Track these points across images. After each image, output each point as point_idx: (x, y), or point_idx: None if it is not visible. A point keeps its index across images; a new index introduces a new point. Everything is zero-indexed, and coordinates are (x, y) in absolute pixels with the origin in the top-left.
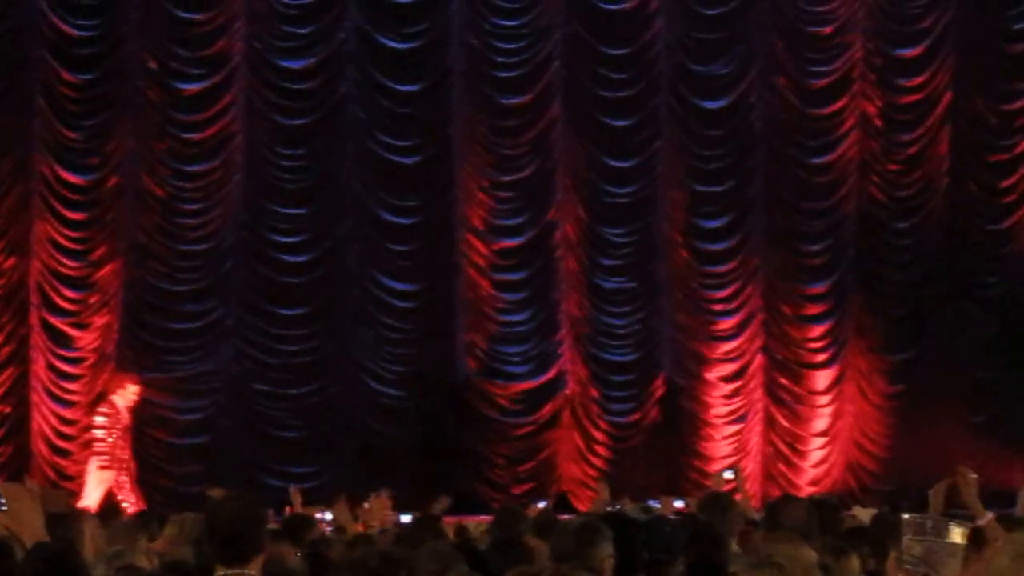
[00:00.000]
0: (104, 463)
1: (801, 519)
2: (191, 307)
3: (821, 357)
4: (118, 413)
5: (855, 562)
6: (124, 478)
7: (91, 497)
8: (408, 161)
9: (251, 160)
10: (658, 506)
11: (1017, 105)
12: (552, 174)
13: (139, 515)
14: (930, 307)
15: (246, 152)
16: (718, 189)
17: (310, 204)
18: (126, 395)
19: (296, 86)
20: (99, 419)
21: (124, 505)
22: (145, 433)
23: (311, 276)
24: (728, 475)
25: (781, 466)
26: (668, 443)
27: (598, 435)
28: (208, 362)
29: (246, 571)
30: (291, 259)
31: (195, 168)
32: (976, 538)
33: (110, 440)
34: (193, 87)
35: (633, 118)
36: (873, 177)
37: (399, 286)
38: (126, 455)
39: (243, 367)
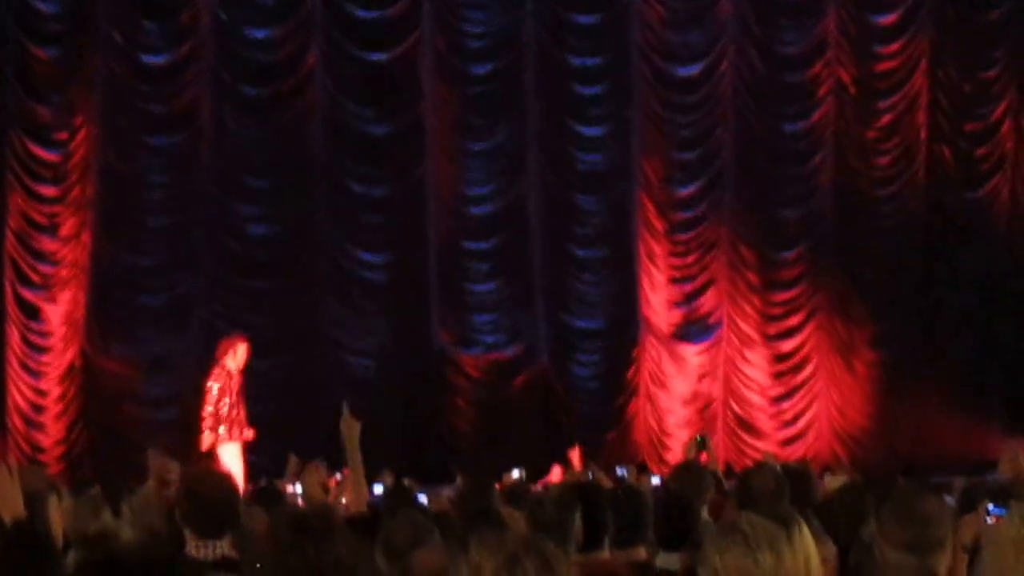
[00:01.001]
0: (228, 434)
1: (770, 488)
2: (159, 281)
3: (792, 322)
4: (231, 376)
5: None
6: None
7: (238, 473)
8: (378, 131)
9: (219, 132)
10: (625, 473)
11: (993, 73)
12: (523, 143)
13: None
14: (908, 275)
15: (213, 124)
16: (690, 156)
17: (279, 176)
18: (237, 357)
19: (263, 57)
20: (215, 386)
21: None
22: (112, 407)
23: (280, 249)
24: (698, 444)
25: (746, 436)
26: (639, 412)
27: (571, 404)
28: (177, 336)
29: (219, 544)
30: (260, 231)
31: (162, 141)
32: None
33: (226, 409)
34: (159, 60)
35: (604, 86)
36: (848, 145)
37: (370, 258)
38: (241, 418)
39: (212, 341)
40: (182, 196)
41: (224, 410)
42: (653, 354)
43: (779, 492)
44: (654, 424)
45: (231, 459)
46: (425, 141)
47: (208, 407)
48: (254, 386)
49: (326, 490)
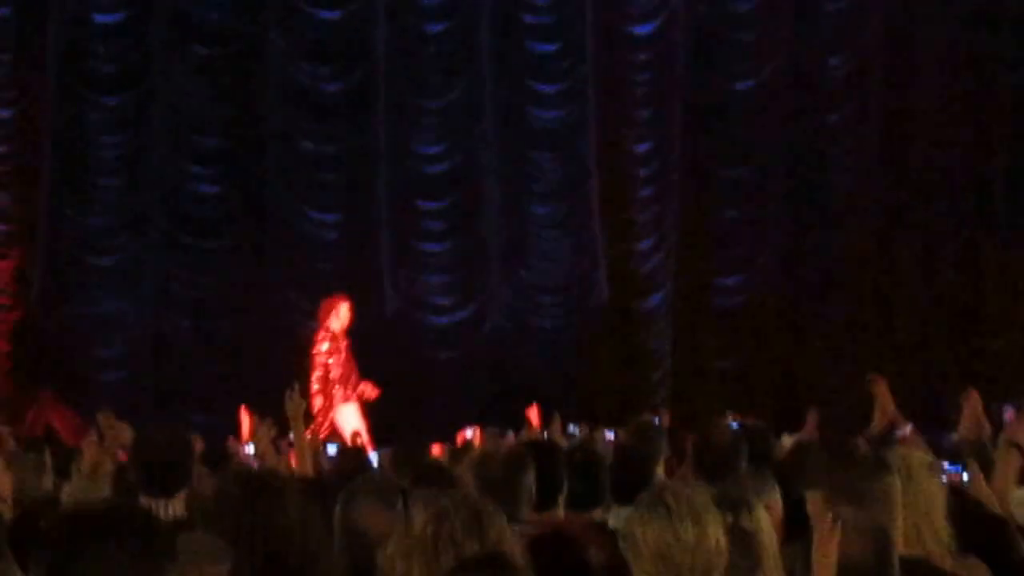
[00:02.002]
0: (343, 395)
1: (726, 447)
2: (109, 241)
3: (739, 282)
4: (337, 338)
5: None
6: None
7: (362, 432)
8: (330, 89)
9: (170, 92)
10: (576, 431)
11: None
12: (479, 101)
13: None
14: (865, 234)
15: (165, 84)
16: (645, 114)
17: (230, 136)
18: (340, 317)
19: (214, 15)
20: (323, 348)
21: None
22: (62, 369)
23: (231, 209)
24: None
25: (695, 395)
26: (599, 370)
27: (529, 362)
28: (127, 296)
29: (171, 504)
30: (211, 191)
31: (113, 100)
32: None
33: (337, 371)
34: (110, 19)
35: (559, 43)
36: (799, 102)
37: (322, 217)
38: (355, 377)
39: (163, 302)
40: (133, 156)
41: (334, 372)
42: (615, 312)
43: (736, 451)
44: (620, 384)
45: (351, 419)
46: (378, 100)
47: (317, 371)
48: (205, 347)
49: (278, 450)
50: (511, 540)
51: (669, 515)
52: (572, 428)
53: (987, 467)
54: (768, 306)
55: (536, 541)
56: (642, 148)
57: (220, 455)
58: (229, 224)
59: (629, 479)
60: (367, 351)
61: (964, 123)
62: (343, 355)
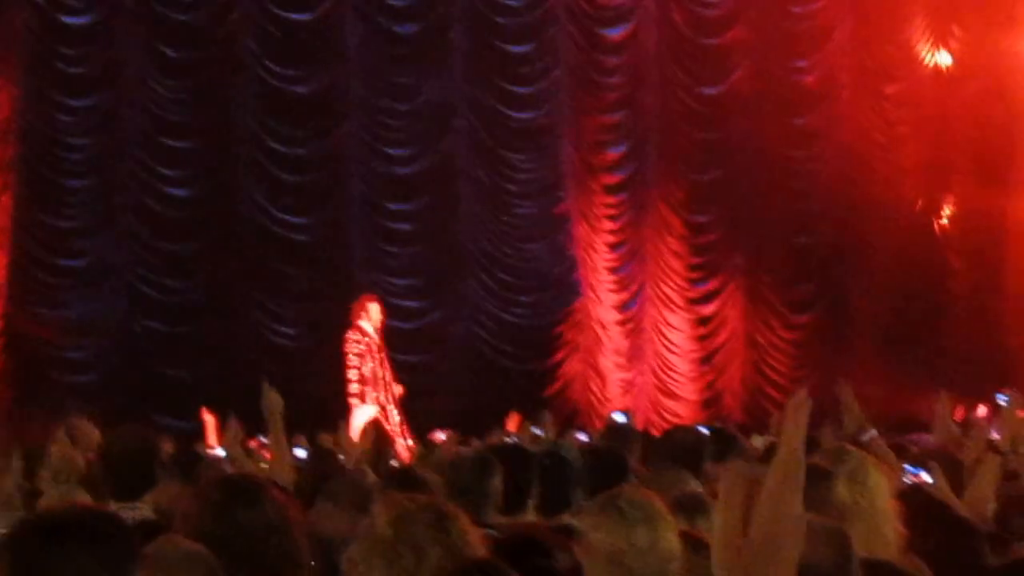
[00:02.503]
0: (372, 397)
1: (693, 449)
2: (80, 243)
3: (709, 287)
4: (369, 337)
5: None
6: (391, 406)
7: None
8: (301, 91)
9: (140, 93)
10: (542, 433)
11: (915, 33)
12: (451, 101)
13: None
14: (827, 237)
15: (135, 85)
16: (616, 118)
17: (200, 137)
18: (372, 317)
19: (184, 17)
20: (354, 349)
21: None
22: (32, 371)
23: (202, 211)
24: (619, 418)
25: (666, 398)
26: (576, 374)
27: (505, 364)
28: (97, 298)
29: (138, 505)
30: (181, 193)
31: (83, 102)
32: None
33: (368, 368)
34: (80, 20)
35: (531, 44)
36: (766, 107)
37: (293, 219)
38: (389, 376)
39: (132, 304)
40: (103, 158)
41: (368, 371)
42: (589, 315)
43: (699, 452)
44: (593, 387)
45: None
46: (349, 101)
47: (351, 372)
48: (174, 349)
49: (248, 452)
50: (475, 542)
51: (623, 519)
52: (537, 431)
53: (955, 470)
54: (738, 308)
55: (501, 544)
56: (616, 151)
57: (191, 458)
58: (199, 226)
59: (602, 481)
60: (337, 352)
61: (928, 127)
62: (376, 355)
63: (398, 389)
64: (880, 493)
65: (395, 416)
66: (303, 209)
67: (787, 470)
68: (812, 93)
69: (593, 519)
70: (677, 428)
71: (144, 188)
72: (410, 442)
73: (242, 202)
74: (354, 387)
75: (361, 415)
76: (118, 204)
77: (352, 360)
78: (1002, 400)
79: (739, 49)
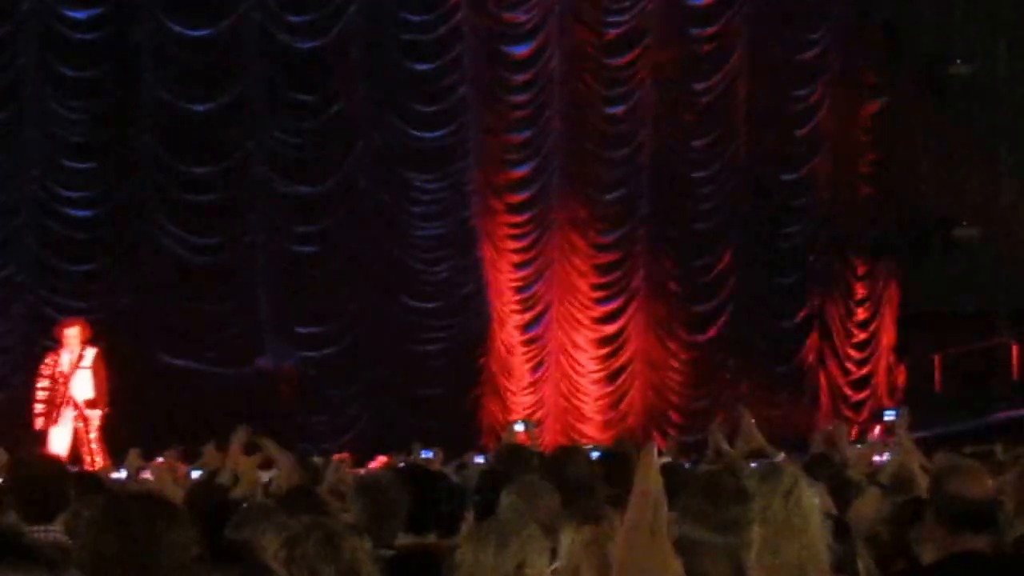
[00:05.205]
0: (58, 417)
1: (583, 470)
2: None
3: (613, 307)
4: (58, 362)
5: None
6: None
7: None
8: (201, 109)
9: (41, 113)
10: (432, 456)
11: (811, 54)
12: (353, 120)
13: None
14: (729, 257)
15: (36, 105)
16: (522, 136)
17: (102, 158)
18: (68, 341)
19: (85, 36)
20: (44, 371)
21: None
22: None
23: (104, 232)
24: (519, 427)
25: (572, 419)
26: (474, 394)
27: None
28: (1, 320)
29: (51, 528)
30: (83, 215)
31: None
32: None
33: (48, 394)
34: None
35: (436, 62)
36: (667, 127)
37: (195, 240)
38: (71, 401)
39: (35, 325)
40: (4, 178)
41: (46, 396)
42: (494, 336)
43: (592, 475)
44: (495, 408)
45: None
46: (249, 120)
47: (38, 393)
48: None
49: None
50: (367, 562)
51: (489, 542)
52: (426, 453)
53: (842, 489)
54: (640, 327)
55: (391, 562)
56: (522, 169)
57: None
58: (102, 247)
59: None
60: (239, 374)
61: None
62: (58, 380)
63: (97, 413)
64: (813, 511)
65: (91, 436)
66: (206, 230)
67: (642, 512)
68: (713, 114)
69: (464, 541)
70: (563, 449)
71: (45, 209)
72: (100, 461)
73: (144, 223)
74: (38, 407)
75: (55, 437)
76: (20, 225)
77: (41, 383)
78: (890, 416)
79: (639, 69)
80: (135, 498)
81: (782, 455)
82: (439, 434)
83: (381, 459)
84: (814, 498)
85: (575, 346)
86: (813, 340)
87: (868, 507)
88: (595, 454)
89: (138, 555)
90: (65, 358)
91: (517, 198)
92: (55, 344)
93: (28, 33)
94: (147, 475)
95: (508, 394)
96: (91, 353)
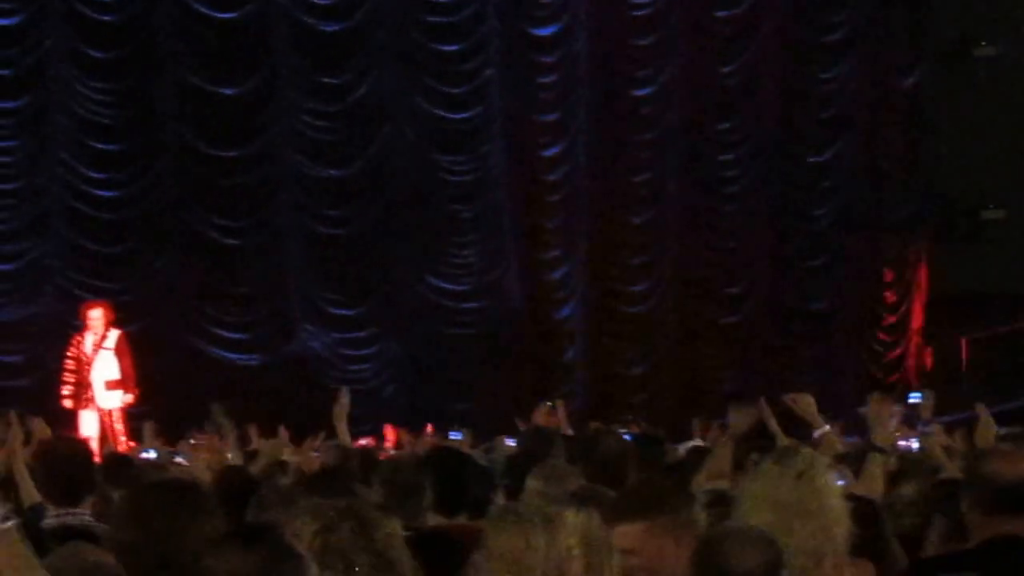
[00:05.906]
0: (86, 401)
1: (616, 453)
2: (10, 247)
3: (642, 288)
4: (83, 344)
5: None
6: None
7: None
8: (228, 92)
9: (67, 95)
10: (460, 437)
11: (837, 36)
12: (380, 102)
13: None
14: (758, 240)
15: (62, 87)
16: (550, 118)
17: (128, 140)
18: (92, 323)
19: (109, 18)
20: (70, 353)
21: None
22: None
23: (132, 213)
24: (549, 409)
25: (603, 401)
26: (506, 376)
27: (446, 369)
28: (30, 303)
29: (78, 511)
30: (110, 195)
31: (9, 104)
32: None
33: (76, 375)
34: (5, 22)
35: (463, 43)
36: (694, 109)
37: (223, 222)
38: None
39: (65, 308)
40: (32, 160)
41: (74, 378)
42: (529, 319)
43: (624, 457)
44: (529, 392)
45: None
46: (277, 102)
47: (66, 375)
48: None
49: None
50: (400, 546)
51: (521, 523)
52: (454, 435)
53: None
54: (671, 313)
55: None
56: (550, 152)
57: (119, 462)
58: (130, 229)
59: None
60: (273, 354)
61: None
62: (84, 363)
63: (128, 397)
64: (830, 493)
65: (117, 423)
66: (234, 212)
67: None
68: (736, 96)
69: (492, 523)
70: (600, 431)
71: (73, 191)
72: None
73: (171, 205)
74: (66, 389)
75: (85, 419)
76: (48, 207)
77: (68, 364)
78: (914, 399)
79: (667, 51)
80: (159, 487)
81: (826, 427)
82: (470, 416)
83: (430, 428)
84: (834, 481)
85: (605, 328)
86: (841, 323)
87: (875, 472)
88: (627, 437)
89: (162, 544)
90: (89, 340)
91: (546, 180)
92: (81, 325)
93: (53, 15)
94: (180, 459)
95: (539, 376)
96: (114, 335)
